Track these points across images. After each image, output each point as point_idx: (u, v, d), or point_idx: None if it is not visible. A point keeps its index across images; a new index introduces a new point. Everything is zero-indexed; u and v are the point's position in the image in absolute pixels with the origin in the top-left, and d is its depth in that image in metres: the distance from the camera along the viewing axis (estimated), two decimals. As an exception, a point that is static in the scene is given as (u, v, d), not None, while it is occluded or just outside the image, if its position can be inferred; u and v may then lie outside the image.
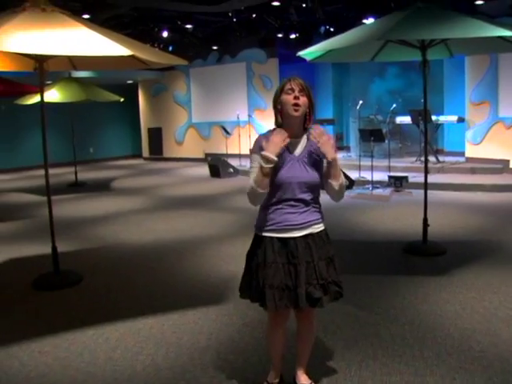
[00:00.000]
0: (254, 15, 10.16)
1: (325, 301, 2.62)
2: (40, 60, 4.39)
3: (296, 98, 2.50)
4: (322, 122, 12.72)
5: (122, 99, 11.95)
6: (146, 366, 3.23)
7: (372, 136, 9.02)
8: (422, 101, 10.87)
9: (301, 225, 2.60)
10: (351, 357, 3.25)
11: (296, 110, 2.51)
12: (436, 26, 4.65)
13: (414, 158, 10.78)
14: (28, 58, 4.47)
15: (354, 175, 9.90)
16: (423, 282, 4.55)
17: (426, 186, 5.66)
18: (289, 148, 2.59)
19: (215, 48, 14.28)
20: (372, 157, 9.25)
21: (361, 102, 9.96)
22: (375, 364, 3.14)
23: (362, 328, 3.67)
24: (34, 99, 9.77)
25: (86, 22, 4.00)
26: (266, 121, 14.67)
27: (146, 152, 18.04)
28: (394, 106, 10.08)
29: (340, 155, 12.85)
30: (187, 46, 13.19)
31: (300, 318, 2.80)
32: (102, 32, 3.92)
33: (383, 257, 5.42)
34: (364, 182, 9.60)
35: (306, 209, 2.61)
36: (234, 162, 12.47)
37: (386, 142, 9.70)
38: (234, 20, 10.27)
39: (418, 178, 9.56)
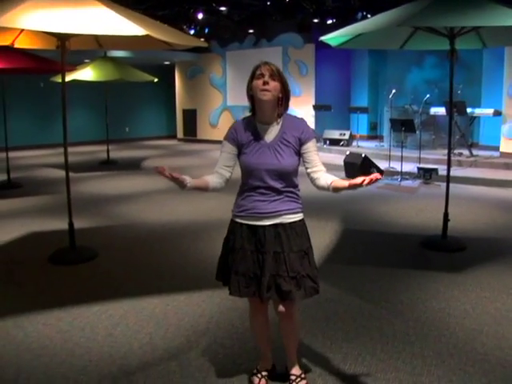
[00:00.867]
0: (287, -1, 10.03)
1: (297, 295, 2.53)
2: (62, 38, 4.44)
3: (265, 83, 2.45)
4: (356, 110, 12.53)
5: (155, 79, 12.02)
6: (143, 344, 3.27)
7: (403, 126, 8.81)
8: (459, 92, 10.64)
9: (270, 213, 2.54)
10: (349, 350, 3.20)
11: (264, 95, 2.46)
12: (465, 14, 4.45)
13: (446, 151, 10.47)
14: (51, 36, 4.52)
15: (383, 165, 9.73)
16: (436, 278, 4.43)
17: (448, 179, 5.50)
18: (259, 134, 2.56)
19: (251, 31, 14.17)
20: (402, 147, 9.05)
21: (394, 90, 9.74)
22: (372, 359, 3.08)
23: (365, 321, 3.61)
24: (69, 77, 9.91)
25: (105, 1, 4.01)
26: (301, 107, 14.52)
27: (180, 133, 18.19)
28: (428, 96, 9.82)
29: (372, 144, 12.65)
30: (223, 29, 13.15)
31: (277, 312, 2.67)
32: (120, 11, 3.93)
33: (399, 250, 5.31)
34: (393, 173, 9.41)
35: (276, 197, 2.55)
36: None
37: (418, 132, 9.45)
38: (268, 3, 10.13)
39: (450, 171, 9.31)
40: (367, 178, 2.25)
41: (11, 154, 9.26)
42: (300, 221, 2.63)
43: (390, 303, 3.93)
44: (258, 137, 2.56)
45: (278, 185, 2.54)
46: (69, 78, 9.96)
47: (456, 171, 9.36)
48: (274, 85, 2.48)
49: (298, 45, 14.14)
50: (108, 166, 11.72)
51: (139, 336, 3.39)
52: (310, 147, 2.58)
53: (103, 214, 6.97)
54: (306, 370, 2.88)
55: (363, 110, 12.29)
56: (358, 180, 2.30)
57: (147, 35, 3.74)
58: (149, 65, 16.03)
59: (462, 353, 3.16)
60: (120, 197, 8.08)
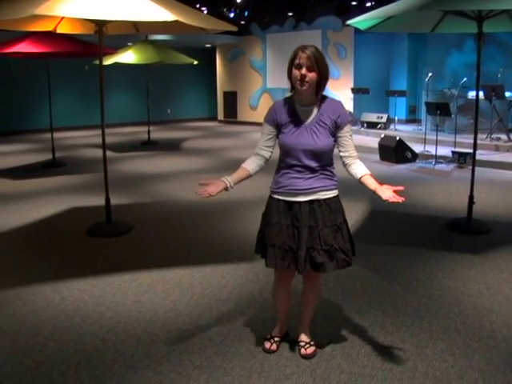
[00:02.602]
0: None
1: (329, 267, 2.70)
2: (99, 24, 4.70)
3: (303, 76, 2.56)
4: (394, 94, 12.44)
5: (195, 62, 12.25)
6: (168, 310, 3.53)
7: (438, 110, 8.75)
8: (499, 76, 10.42)
9: (305, 190, 2.70)
10: (360, 321, 3.36)
11: (302, 86, 2.59)
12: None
13: (485, 135, 10.33)
14: (89, 22, 4.79)
15: (418, 149, 9.70)
16: (456, 259, 4.52)
17: (473, 162, 5.61)
18: (298, 115, 2.70)
19: (291, 14, 14.19)
20: (437, 131, 8.99)
21: (430, 74, 9.66)
22: (381, 331, 3.24)
23: (380, 296, 3.76)
24: (110, 60, 10.28)
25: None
26: (339, 90, 14.51)
27: (221, 115, 18.45)
28: (465, 79, 9.66)
29: (410, 128, 12.56)
30: (263, 12, 13.23)
31: (305, 281, 2.93)
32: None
33: (424, 230, 5.40)
34: (428, 157, 9.38)
35: (311, 175, 2.70)
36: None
37: (454, 116, 9.35)
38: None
39: (486, 155, 9.21)
40: (391, 199, 2.46)
41: (57, 135, 9.75)
42: (334, 197, 2.77)
43: (406, 281, 4.06)
44: (296, 118, 2.70)
45: (313, 164, 2.69)
46: (111, 60, 10.35)
47: (493, 156, 9.26)
48: (311, 76, 2.57)
49: (337, 28, 14.09)
50: (148, 146, 12.10)
51: (165, 302, 3.65)
52: (345, 131, 2.70)
53: (141, 191, 7.30)
54: (315, 337, 3.07)
55: (401, 94, 12.19)
56: (383, 195, 2.49)
57: (177, 20, 3.94)
58: (190, 47, 16.31)
59: (469, 329, 3.27)
60: (158, 176, 8.41)
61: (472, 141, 9.96)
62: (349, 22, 5.29)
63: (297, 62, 2.59)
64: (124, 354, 2.97)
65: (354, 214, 5.93)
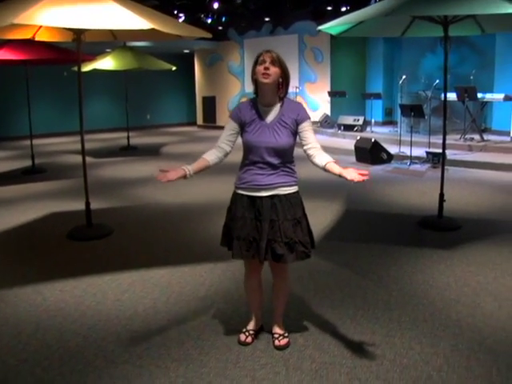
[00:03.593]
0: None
1: (289, 258, 2.86)
2: (77, 32, 4.80)
3: (266, 68, 2.76)
4: (370, 96, 12.69)
5: (174, 68, 12.37)
6: (147, 308, 3.65)
7: (412, 111, 8.99)
8: (472, 77, 10.72)
9: (267, 185, 2.86)
10: (332, 315, 3.50)
11: (265, 78, 2.77)
12: (459, 1, 4.62)
13: (459, 136, 10.62)
14: (67, 29, 4.89)
15: (394, 150, 9.94)
16: (425, 255, 4.70)
17: (443, 161, 5.84)
18: (261, 114, 2.87)
19: (268, 19, 14.39)
20: (411, 132, 9.23)
21: (404, 76, 9.91)
22: (351, 323, 3.39)
23: (352, 291, 3.92)
24: (89, 67, 10.35)
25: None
26: (316, 94, 14.75)
27: (200, 120, 18.57)
28: (437, 81, 9.92)
29: (387, 130, 12.81)
30: (240, 17, 13.40)
31: (273, 274, 3.08)
32: (129, 6, 4.25)
33: (396, 228, 5.59)
34: (403, 157, 9.62)
35: (273, 172, 2.86)
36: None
37: (428, 118, 9.61)
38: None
39: (459, 155, 9.49)
40: (356, 178, 2.58)
41: (37, 142, 9.78)
42: (294, 193, 2.93)
43: (377, 275, 4.22)
44: (259, 117, 2.88)
45: (274, 160, 2.86)
46: (90, 67, 10.42)
47: (466, 156, 9.53)
48: (274, 70, 2.78)
49: (313, 32, 14.28)
50: (128, 151, 12.16)
51: (144, 301, 3.76)
52: (305, 126, 2.88)
53: (121, 196, 7.39)
54: (289, 329, 3.21)
55: (376, 96, 12.44)
56: (349, 176, 2.61)
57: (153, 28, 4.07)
58: (169, 53, 16.40)
59: (436, 319, 3.44)
60: (138, 180, 8.50)
61: (447, 141, 10.33)
62: (320, 27, 5.46)
63: (261, 58, 2.80)
64: (105, 350, 3.07)
65: (329, 214, 6.11)
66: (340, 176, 2.69)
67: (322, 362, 2.91)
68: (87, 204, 5.35)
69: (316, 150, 2.88)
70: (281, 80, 2.82)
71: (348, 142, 11.33)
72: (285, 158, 2.88)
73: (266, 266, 3.07)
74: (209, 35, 4.91)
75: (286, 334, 3.14)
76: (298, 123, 2.86)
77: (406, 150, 9.71)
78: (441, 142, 10.21)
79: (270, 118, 2.87)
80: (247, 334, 3.15)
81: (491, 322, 3.37)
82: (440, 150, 9.26)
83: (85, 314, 3.55)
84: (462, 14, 4.99)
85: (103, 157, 11.21)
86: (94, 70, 10.69)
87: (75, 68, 10.70)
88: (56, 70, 14.84)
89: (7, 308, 3.69)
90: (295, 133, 2.88)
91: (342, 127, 12.78)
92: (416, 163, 9.26)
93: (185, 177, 2.84)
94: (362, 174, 2.61)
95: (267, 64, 2.76)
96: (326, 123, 13.52)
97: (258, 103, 2.90)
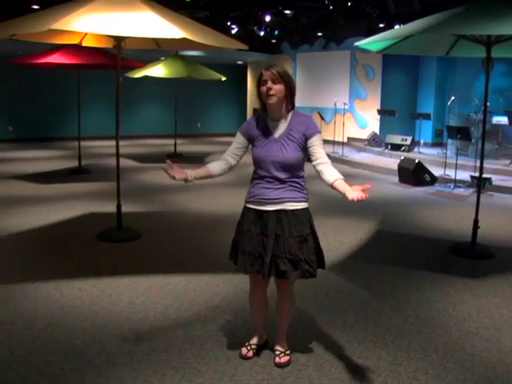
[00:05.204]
0: (349, 3, 10.15)
1: (292, 275, 2.83)
2: (117, 39, 4.96)
3: (268, 89, 2.75)
4: (419, 116, 12.42)
5: (223, 78, 12.53)
6: (158, 313, 3.69)
7: (458, 134, 8.74)
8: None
9: (273, 200, 2.85)
10: (340, 337, 3.43)
11: (270, 99, 2.77)
12: (502, 22, 4.47)
13: (508, 161, 10.22)
14: (109, 36, 5.07)
15: (439, 172, 9.69)
16: (451, 282, 4.53)
17: (479, 185, 5.59)
18: (269, 129, 2.86)
19: (321, 34, 14.38)
20: (457, 155, 8.98)
21: (453, 97, 9.66)
22: (359, 347, 3.30)
23: (366, 314, 3.82)
24: (140, 74, 10.65)
25: (152, 6, 4.46)
26: (365, 111, 14.59)
27: (249, 131, 18.67)
28: (488, 104, 9.58)
29: (435, 151, 12.49)
30: (293, 31, 13.46)
31: (278, 290, 3.05)
32: (163, 15, 4.34)
33: (426, 253, 5.42)
34: (447, 180, 9.36)
35: (280, 186, 2.85)
36: (328, 149, 12.64)
37: (475, 141, 9.31)
38: (331, 8, 10.33)
39: (507, 181, 9.13)
40: (355, 198, 2.53)
41: (85, 143, 10.16)
42: (303, 209, 2.89)
43: (396, 300, 4.11)
44: (267, 132, 2.89)
45: (282, 175, 2.85)
46: (141, 73, 10.72)
47: (511, 182, 9.17)
48: (277, 88, 2.77)
49: (365, 49, 14.17)
50: (174, 158, 12.37)
51: (156, 306, 3.82)
52: (314, 141, 2.85)
53: (156, 201, 7.54)
54: (293, 347, 3.16)
55: (425, 116, 12.15)
56: (349, 196, 2.57)
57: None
58: (222, 64, 16.66)
59: (448, 351, 3.30)
60: (176, 187, 8.61)
61: (495, 166, 10.00)
62: (357, 43, 5.40)
63: (262, 78, 2.79)
64: (108, 351, 3.13)
65: (360, 233, 6.00)
66: (344, 196, 2.65)
67: (320, 384, 2.86)
68: (118, 207, 5.49)
69: (325, 165, 2.84)
70: (286, 94, 2.80)
71: (393, 162, 11.11)
72: (293, 173, 2.86)
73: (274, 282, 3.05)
74: (245, 47, 4.95)
75: (288, 352, 3.10)
76: (306, 137, 2.84)
77: (451, 173, 9.45)
78: (489, 166, 9.98)
79: (279, 132, 2.87)
80: (249, 347, 3.14)
81: (508, 360, 3.20)
82: (488, 175, 9.02)
83: (97, 314, 3.64)
84: (507, 35, 4.83)
85: (148, 162, 11.48)
86: (146, 77, 10.99)
87: (128, 74, 11.07)
88: (108, 75, 15.33)
89: (26, 301, 3.83)
90: (304, 147, 2.86)
91: (390, 146, 12.56)
92: (460, 187, 8.98)
93: (186, 180, 2.85)
94: (363, 190, 2.56)
95: (269, 84, 2.76)
96: (373, 141, 13.33)
97: (268, 118, 2.90)
